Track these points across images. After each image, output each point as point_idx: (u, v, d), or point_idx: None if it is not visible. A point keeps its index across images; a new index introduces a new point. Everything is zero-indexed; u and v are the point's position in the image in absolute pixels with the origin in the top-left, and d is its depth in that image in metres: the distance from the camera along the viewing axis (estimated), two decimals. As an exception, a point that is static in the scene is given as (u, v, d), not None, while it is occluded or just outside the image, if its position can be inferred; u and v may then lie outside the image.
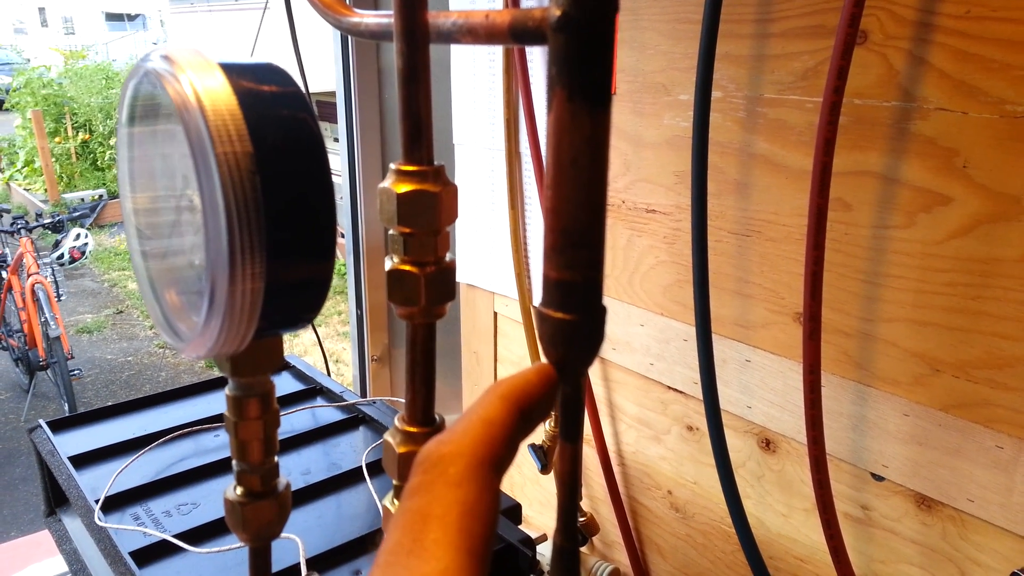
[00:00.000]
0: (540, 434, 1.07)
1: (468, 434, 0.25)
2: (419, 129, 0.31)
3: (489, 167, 1.16)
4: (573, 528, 0.32)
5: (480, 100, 1.15)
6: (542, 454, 1.04)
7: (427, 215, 0.31)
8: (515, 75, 1.06)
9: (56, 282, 4.38)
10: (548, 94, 0.28)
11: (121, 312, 5.69)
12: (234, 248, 0.25)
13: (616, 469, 1.08)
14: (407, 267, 0.32)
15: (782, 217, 0.81)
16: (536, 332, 0.29)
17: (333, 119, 1.65)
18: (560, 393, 0.30)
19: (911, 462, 0.75)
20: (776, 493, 0.88)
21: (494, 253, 1.19)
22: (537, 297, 1.14)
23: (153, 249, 0.30)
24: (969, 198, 0.67)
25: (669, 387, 0.98)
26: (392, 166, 0.31)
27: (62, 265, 4.65)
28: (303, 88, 0.28)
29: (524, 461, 1.27)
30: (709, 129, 0.81)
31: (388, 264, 0.33)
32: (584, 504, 1.10)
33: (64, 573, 1.81)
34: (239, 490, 0.31)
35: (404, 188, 0.31)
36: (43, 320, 4.01)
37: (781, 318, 0.83)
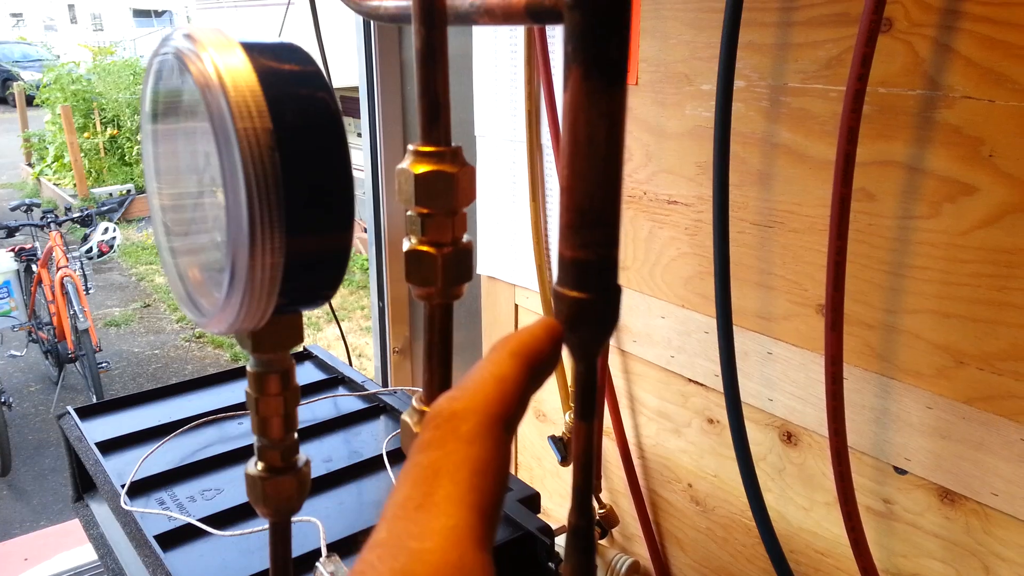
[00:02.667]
0: (560, 426, 1.07)
1: (480, 391, 0.24)
2: (437, 110, 0.31)
3: (510, 159, 1.16)
4: (588, 507, 0.32)
5: (502, 92, 1.15)
6: (562, 446, 1.04)
7: (444, 196, 0.32)
8: (536, 66, 1.06)
9: (85, 276, 4.45)
10: (564, 72, 0.28)
11: (148, 306, 5.77)
12: (254, 223, 0.25)
13: (636, 462, 1.08)
14: (425, 248, 0.32)
15: (805, 208, 0.80)
16: (553, 313, 0.29)
17: (356, 114, 1.65)
18: (575, 372, 0.31)
19: (934, 455, 0.74)
20: (797, 486, 0.88)
21: (515, 245, 1.19)
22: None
23: (176, 227, 0.30)
24: (995, 188, 0.66)
25: (690, 380, 0.98)
26: (410, 147, 0.32)
27: (90, 259, 4.72)
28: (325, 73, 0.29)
29: (544, 454, 1.28)
30: (731, 119, 0.81)
31: (406, 245, 0.33)
32: (604, 496, 1.10)
33: (92, 561, 1.86)
34: (260, 465, 0.32)
35: (422, 169, 0.31)
36: (72, 313, 4.08)
37: (804, 310, 0.83)
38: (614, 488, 1.12)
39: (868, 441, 0.79)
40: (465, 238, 0.34)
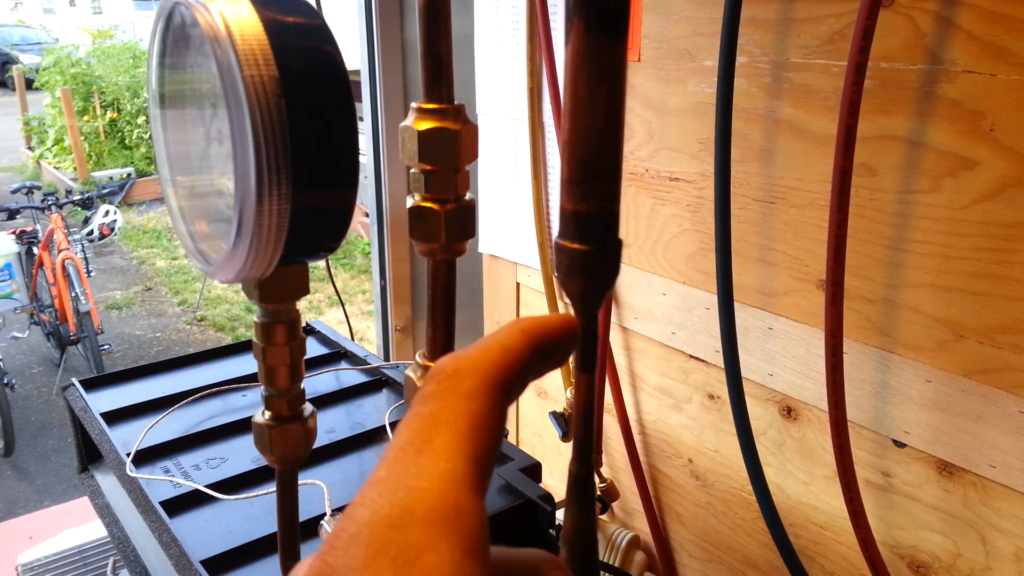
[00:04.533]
0: (561, 402, 1.08)
1: (485, 354, 0.25)
2: (440, 67, 0.32)
3: (512, 137, 1.16)
4: (588, 457, 0.33)
5: (503, 70, 1.15)
6: (563, 421, 1.05)
7: (447, 152, 0.32)
8: (539, 43, 1.06)
9: (86, 258, 4.45)
10: (566, 28, 0.28)
11: (150, 289, 5.78)
12: (261, 171, 0.26)
13: (637, 438, 1.08)
14: (428, 204, 0.33)
15: (807, 183, 0.81)
16: (554, 265, 0.29)
17: (357, 98, 1.65)
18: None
19: (933, 428, 0.75)
20: (797, 460, 0.88)
21: (517, 224, 1.20)
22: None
23: (183, 179, 0.31)
24: (995, 162, 0.66)
25: (691, 356, 0.98)
26: (413, 105, 0.32)
27: (91, 241, 4.73)
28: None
29: (546, 431, 1.28)
30: (733, 95, 0.81)
31: (409, 202, 0.33)
32: (604, 471, 1.11)
33: (97, 539, 1.87)
34: (267, 414, 0.32)
35: (425, 125, 0.31)
36: (73, 295, 4.09)
37: (804, 285, 0.83)
38: (615, 464, 1.13)
39: (867, 415, 0.80)
40: (468, 195, 0.34)
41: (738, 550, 0.98)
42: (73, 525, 2.01)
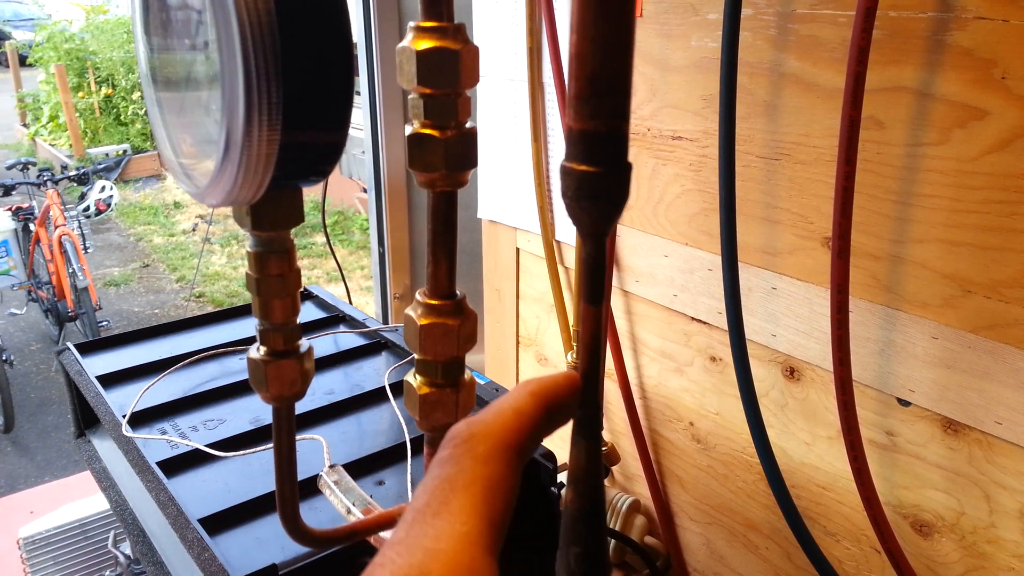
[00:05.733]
0: (561, 363, 1.07)
1: (498, 419, 0.27)
2: (440, -17, 0.30)
3: (511, 99, 1.14)
4: (595, 394, 0.32)
5: (502, 29, 1.13)
6: (564, 386, 1.04)
7: (448, 74, 0.30)
8: (538, 1, 1.03)
9: (83, 234, 4.43)
10: (575, -66, 0.26)
11: (147, 266, 5.76)
12: (250, 85, 0.24)
13: (638, 403, 1.08)
14: (428, 131, 0.31)
15: (812, 139, 0.79)
16: (561, 191, 0.28)
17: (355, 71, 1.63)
18: (583, 253, 0.30)
19: (938, 386, 0.74)
20: (799, 422, 0.88)
21: (516, 188, 1.18)
22: (560, 229, 1.13)
23: (167, 96, 0.29)
24: (1007, 111, 0.65)
25: (693, 318, 0.97)
26: (411, 24, 0.31)
27: (88, 217, 4.70)
28: None
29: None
30: (738, 49, 0.79)
31: (408, 130, 0.32)
32: (605, 435, 1.10)
33: (97, 512, 1.87)
34: (262, 350, 0.31)
35: (424, 45, 0.30)
36: (71, 271, 4.07)
37: (809, 243, 0.82)
38: (616, 429, 1.12)
39: (872, 374, 0.79)
40: (468, 124, 0.33)
41: (739, 512, 0.97)
42: (73, 499, 2.02)
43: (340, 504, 0.49)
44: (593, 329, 0.30)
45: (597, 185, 0.28)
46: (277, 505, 0.34)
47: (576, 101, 0.28)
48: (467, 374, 0.36)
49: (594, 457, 0.32)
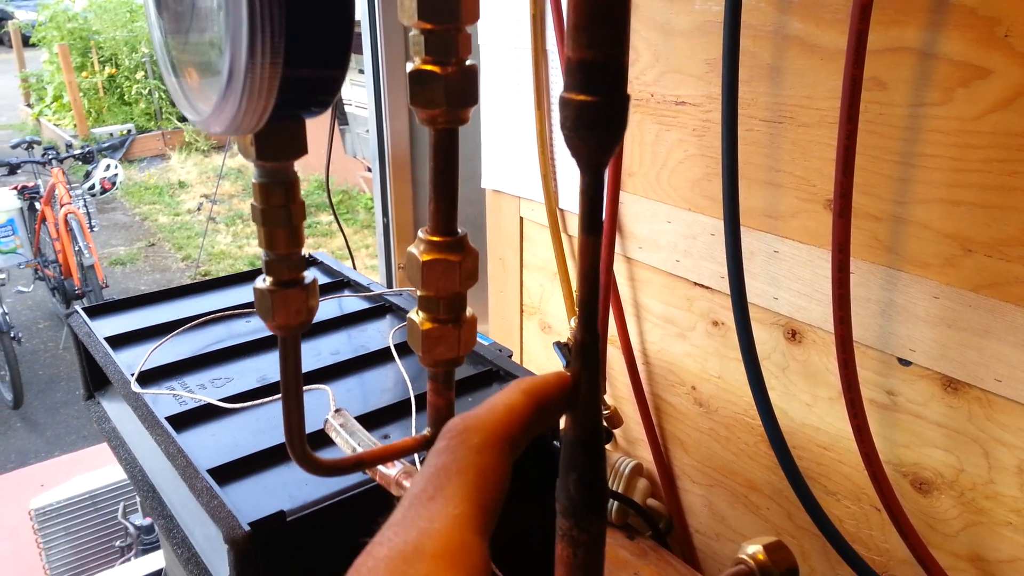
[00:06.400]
0: (565, 331, 1.08)
1: (491, 414, 0.29)
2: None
3: (515, 67, 1.14)
4: (593, 322, 0.32)
5: (506, -4, 1.13)
6: (567, 351, 1.05)
7: (448, 8, 0.31)
8: (542, -33, 1.03)
9: (88, 213, 4.43)
10: None
11: (153, 245, 5.78)
12: (254, 16, 0.25)
13: (640, 368, 1.09)
14: (429, 67, 0.32)
15: (815, 101, 0.79)
16: (560, 122, 0.29)
17: (358, 50, 1.63)
18: (581, 184, 0.30)
19: (939, 345, 0.74)
20: (801, 383, 0.88)
21: (520, 156, 1.18)
22: (563, 197, 1.14)
23: (173, 27, 0.30)
24: (1010, 69, 0.65)
25: (695, 283, 0.98)
26: (413, -41, 0.31)
27: (93, 196, 4.70)
28: None
29: (550, 365, 1.29)
30: (741, 11, 0.79)
31: (409, 67, 0.33)
32: (608, 400, 1.11)
33: (109, 484, 1.89)
34: (268, 280, 0.32)
35: (426, -22, 0.30)
36: (77, 249, 4.08)
37: (811, 206, 0.82)
38: (618, 395, 1.13)
39: (873, 334, 0.79)
40: (469, 61, 0.33)
41: (740, 474, 0.98)
42: (83, 472, 2.04)
43: (346, 445, 0.51)
44: (591, 259, 0.31)
45: (595, 115, 0.28)
46: (284, 432, 0.35)
47: (574, 31, 0.28)
48: (469, 311, 0.37)
49: (592, 385, 0.33)
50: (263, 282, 0.32)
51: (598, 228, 0.31)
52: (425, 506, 0.25)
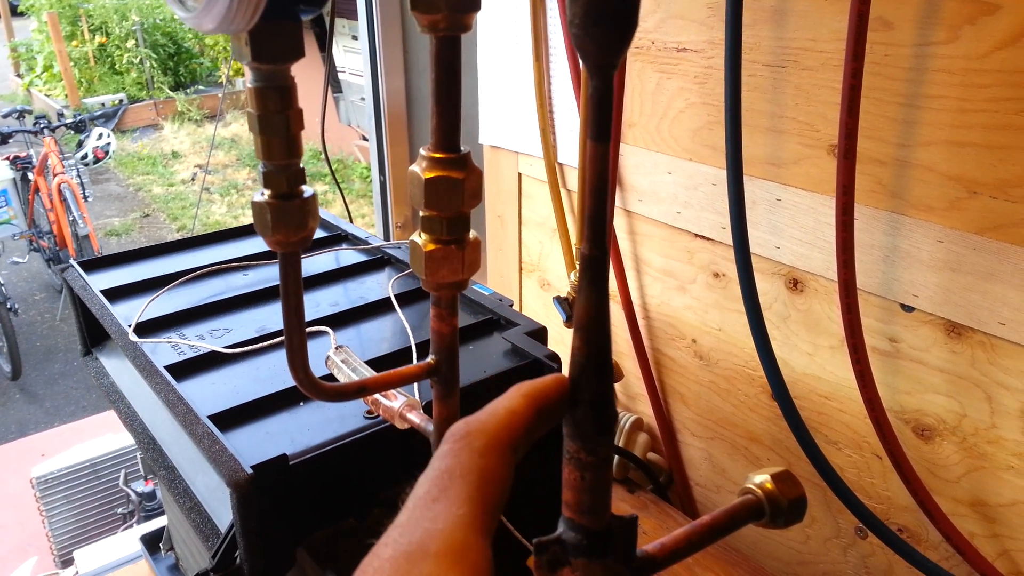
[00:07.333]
0: (564, 288, 1.07)
1: (493, 418, 0.29)
2: None
3: (512, 18, 1.12)
4: (602, 236, 0.32)
5: (503, -55, 1.10)
6: (567, 305, 1.05)
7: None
8: (539, -87, 1.01)
9: (82, 182, 4.40)
10: None
11: (147, 215, 5.75)
12: None
13: (641, 323, 1.08)
14: (430, -28, 0.31)
15: (819, 43, 0.78)
16: (568, 20, 0.27)
17: (352, 15, 1.60)
18: (589, 88, 0.29)
19: (943, 289, 0.74)
20: (802, 333, 0.88)
21: (518, 110, 1.17)
22: (562, 151, 1.12)
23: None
24: (1018, 3, 0.64)
25: (696, 235, 0.97)
26: None
27: (86, 165, 4.66)
28: None
29: (548, 322, 1.28)
30: (744, -48, 0.77)
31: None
32: (608, 356, 1.10)
33: (110, 451, 1.89)
34: (266, 193, 0.31)
35: None
36: (71, 219, 4.06)
37: (815, 152, 0.81)
38: (618, 350, 1.13)
39: (876, 281, 0.79)
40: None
41: (741, 426, 0.98)
42: (84, 440, 2.05)
43: (349, 380, 0.50)
44: (599, 168, 0.30)
45: (603, 9, 0.27)
46: (287, 356, 0.34)
47: (583, -78, 0.27)
48: (472, 233, 0.36)
49: (601, 305, 0.32)
50: (261, 195, 0.31)
51: (606, 135, 0.30)
52: (429, 508, 0.26)
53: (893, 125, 0.74)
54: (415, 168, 0.34)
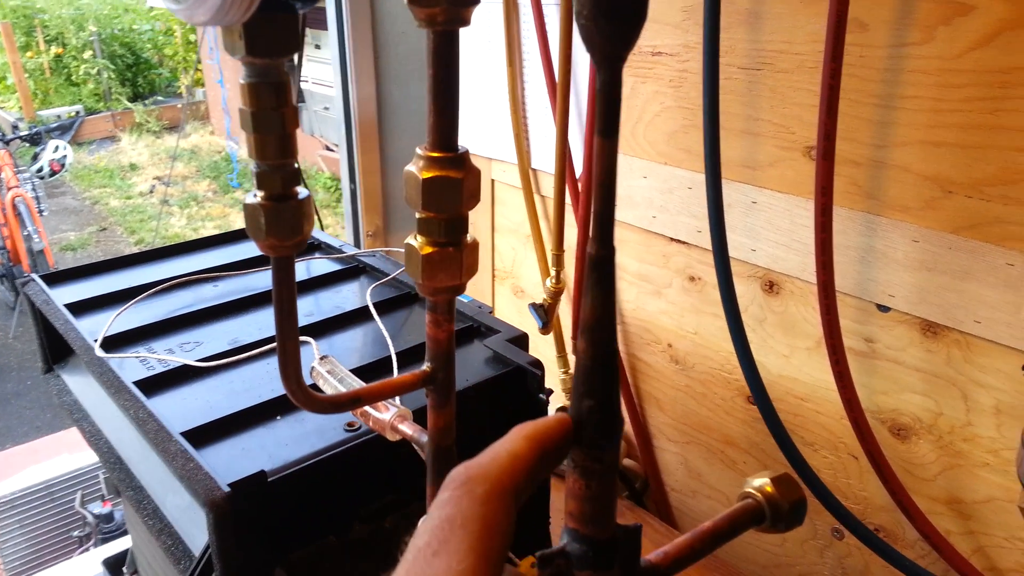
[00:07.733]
0: (541, 291, 1.06)
1: (495, 462, 0.28)
2: None
3: (485, 21, 1.12)
4: (609, 235, 0.31)
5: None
6: (543, 312, 1.04)
7: None
8: (510, -83, 1.00)
9: (37, 196, 4.29)
10: None
11: (105, 229, 5.62)
12: None
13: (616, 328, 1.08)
14: (426, -35, 0.29)
15: (795, 45, 0.78)
16: (575, 12, 0.27)
17: (321, 25, 1.57)
18: (598, 83, 0.29)
19: (918, 289, 0.74)
20: (778, 335, 0.88)
21: (490, 116, 1.16)
22: (536, 157, 1.12)
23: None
24: (992, 4, 0.65)
25: (672, 239, 0.97)
26: None
27: (42, 178, 4.54)
28: None
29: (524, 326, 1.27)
30: (718, -45, 0.78)
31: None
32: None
33: (65, 473, 1.83)
34: (259, 194, 0.29)
35: None
36: (26, 234, 3.95)
37: (791, 154, 0.82)
38: (595, 357, 1.12)
39: (852, 282, 0.79)
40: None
41: (716, 429, 0.98)
42: (38, 462, 1.97)
43: (335, 392, 0.48)
44: (607, 165, 0.29)
45: (612, 3, 0.27)
46: (279, 365, 0.32)
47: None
48: (470, 236, 0.35)
49: (608, 305, 0.31)
50: (253, 197, 0.29)
51: (615, 130, 0.29)
52: (429, 562, 0.25)
53: (868, 126, 0.75)
54: (411, 168, 0.33)
